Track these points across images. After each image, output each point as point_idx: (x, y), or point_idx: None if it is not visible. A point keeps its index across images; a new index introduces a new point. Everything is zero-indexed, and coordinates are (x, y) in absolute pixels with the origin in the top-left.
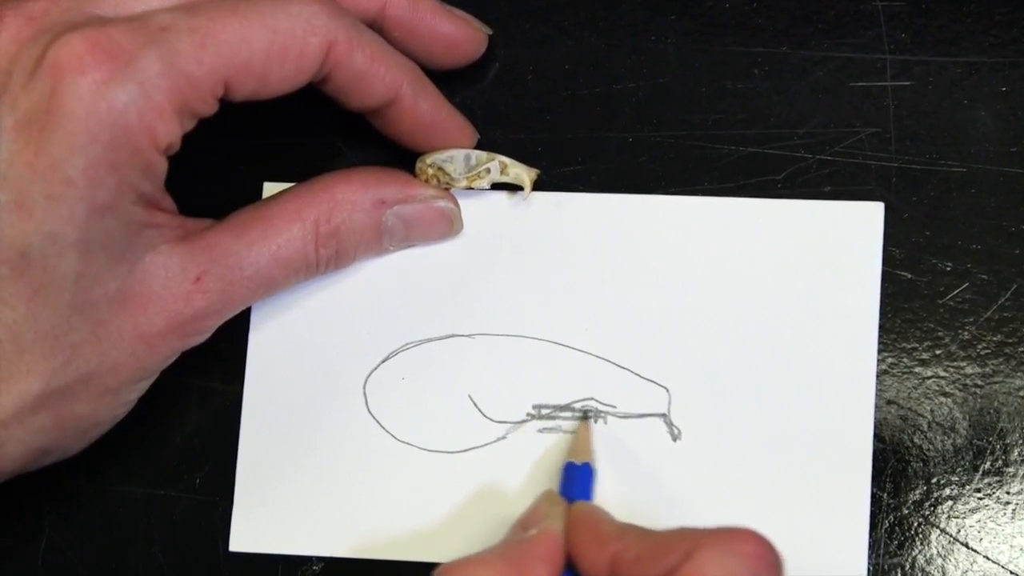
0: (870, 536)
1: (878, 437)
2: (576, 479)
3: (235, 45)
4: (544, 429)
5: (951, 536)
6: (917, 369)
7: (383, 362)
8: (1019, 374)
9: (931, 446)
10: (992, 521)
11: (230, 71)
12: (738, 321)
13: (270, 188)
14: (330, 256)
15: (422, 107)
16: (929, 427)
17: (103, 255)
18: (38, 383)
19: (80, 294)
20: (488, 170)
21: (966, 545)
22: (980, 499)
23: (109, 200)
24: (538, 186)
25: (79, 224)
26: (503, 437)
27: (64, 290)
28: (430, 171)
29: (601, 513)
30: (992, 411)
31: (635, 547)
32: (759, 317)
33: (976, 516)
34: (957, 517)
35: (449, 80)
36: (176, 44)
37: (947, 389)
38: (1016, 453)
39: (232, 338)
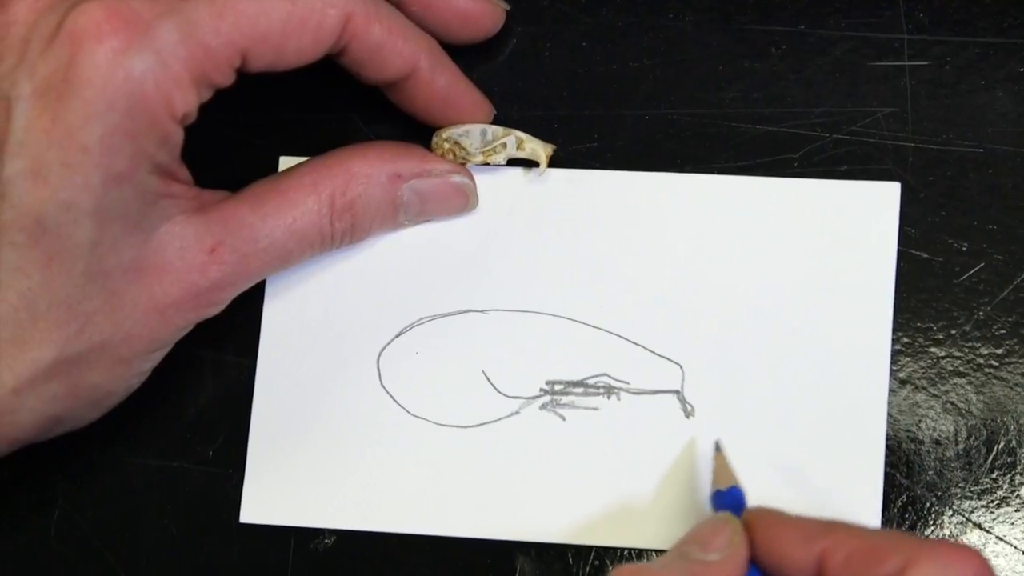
0: (883, 515)
1: (892, 416)
2: (729, 504)
3: (253, 16)
4: (557, 404)
5: (964, 516)
6: (932, 349)
7: (397, 336)
8: None
9: (945, 426)
10: (1005, 502)
11: (247, 42)
12: (753, 299)
13: (286, 162)
14: (345, 230)
15: (439, 81)
16: (943, 407)
17: (118, 224)
18: (52, 351)
19: (95, 263)
20: (504, 145)
21: (979, 526)
22: (994, 479)
23: (125, 169)
24: (554, 163)
25: (95, 192)
26: (516, 412)
27: (79, 258)
28: (446, 145)
29: (790, 514)
30: (1006, 391)
31: (846, 546)
32: (774, 295)
33: (989, 496)
34: (970, 497)
35: (466, 55)
36: (194, 14)
37: (961, 369)
38: None
39: (246, 311)
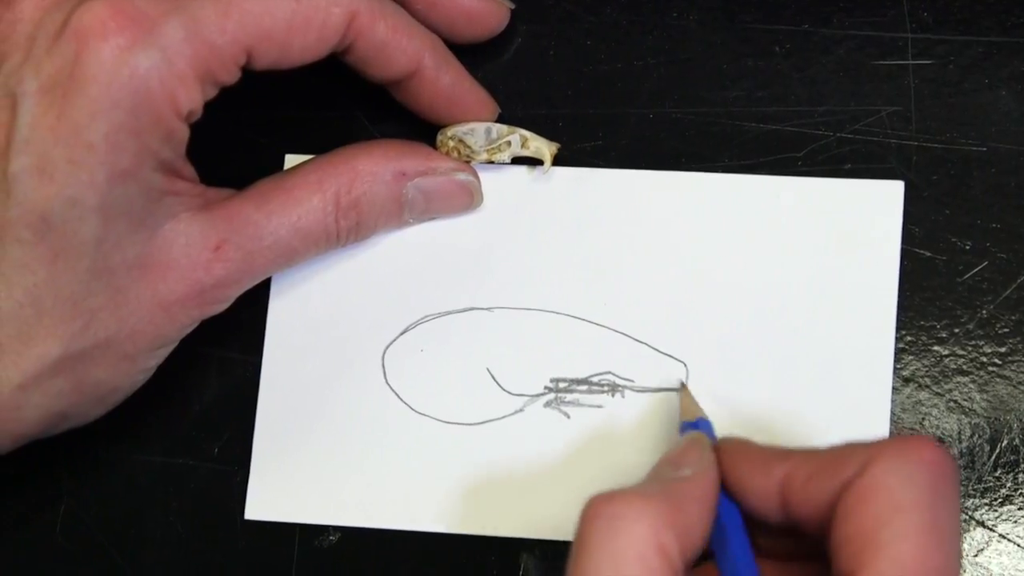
0: None
1: (895, 415)
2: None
3: (258, 14)
4: (562, 402)
5: (967, 514)
6: (935, 347)
7: (402, 334)
8: None
9: (948, 425)
10: (1008, 500)
11: (252, 40)
12: (757, 297)
13: (291, 160)
14: (350, 228)
15: (443, 79)
16: (947, 406)
17: (123, 221)
18: (57, 347)
19: (100, 259)
20: (508, 143)
21: (982, 524)
22: (997, 477)
23: (130, 166)
24: (558, 161)
25: (100, 189)
26: (520, 410)
27: (84, 255)
28: (451, 143)
29: (756, 443)
30: (1010, 390)
31: (804, 467)
32: (778, 293)
33: (992, 494)
34: (973, 495)
35: (471, 54)
36: (199, 12)
37: (965, 368)
38: None
39: (251, 309)
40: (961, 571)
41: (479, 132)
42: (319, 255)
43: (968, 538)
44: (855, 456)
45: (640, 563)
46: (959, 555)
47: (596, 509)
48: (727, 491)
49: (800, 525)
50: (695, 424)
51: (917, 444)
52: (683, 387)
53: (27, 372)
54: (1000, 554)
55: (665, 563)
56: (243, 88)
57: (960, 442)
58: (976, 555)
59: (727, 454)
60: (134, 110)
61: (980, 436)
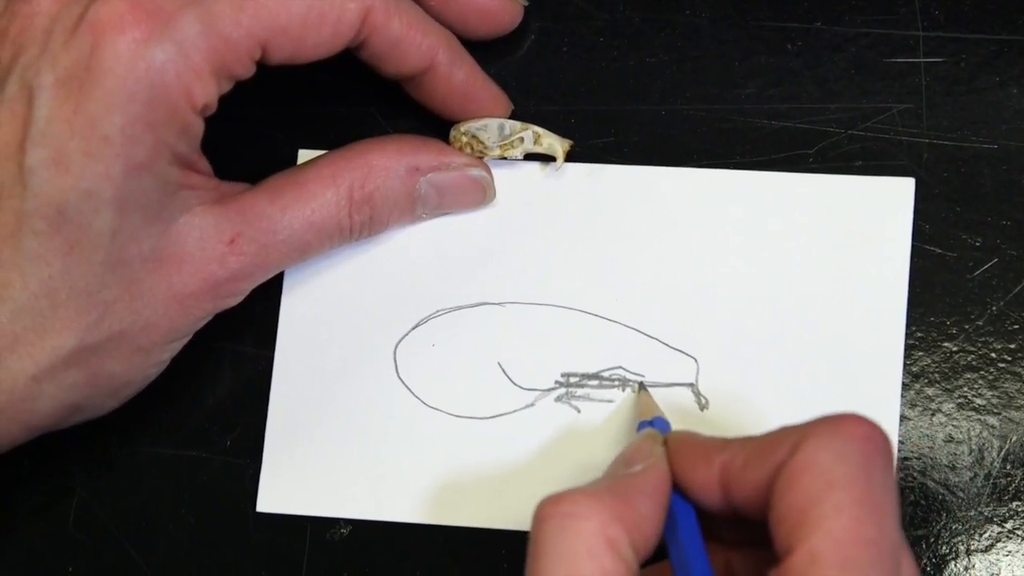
0: None
1: (905, 411)
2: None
3: (273, 8)
4: (572, 396)
5: (976, 510)
6: (945, 344)
7: (414, 328)
8: None
9: (958, 420)
10: (1017, 496)
11: (267, 34)
12: (768, 293)
13: (305, 155)
14: (363, 222)
15: (457, 75)
16: (956, 402)
17: (138, 214)
18: (71, 339)
19: (115, 252)
20: (521, 139)
21: (991, 520)
22: (1007, 474)
23: (145, 159)
24: (571, 157)
25: (115, 182)
26: (531, 404)
27: (99, 247)
28: (464, 139)
29: (699, 434)
30: (1019, 386)
31: (741, 453)
32: (788, 289)
33: (1002, 491)
34: (982, 492)
35: (484, 50)
36: (215, 6)
37: (974, 364)
38: None
39: (265, 303)
40: (902, 544)
41: (492, 128)
42: (332, 249)
43: (977, 534)
44: (788, 438)
45: (590, 559)
46: (896, 528)
47: (546, 510)
48: (676, 484)
49: (742, 511)
50: (651, 423)
51: (847, 421)
52: (641, 387)
53: (41, 364)
54: (1009, 552)
55: (615, 557)
56: (258, 83)
57: (969, 438)
58: (986, 551)
59: (672, 447)
60: (150, 103)
61: (989, 432)
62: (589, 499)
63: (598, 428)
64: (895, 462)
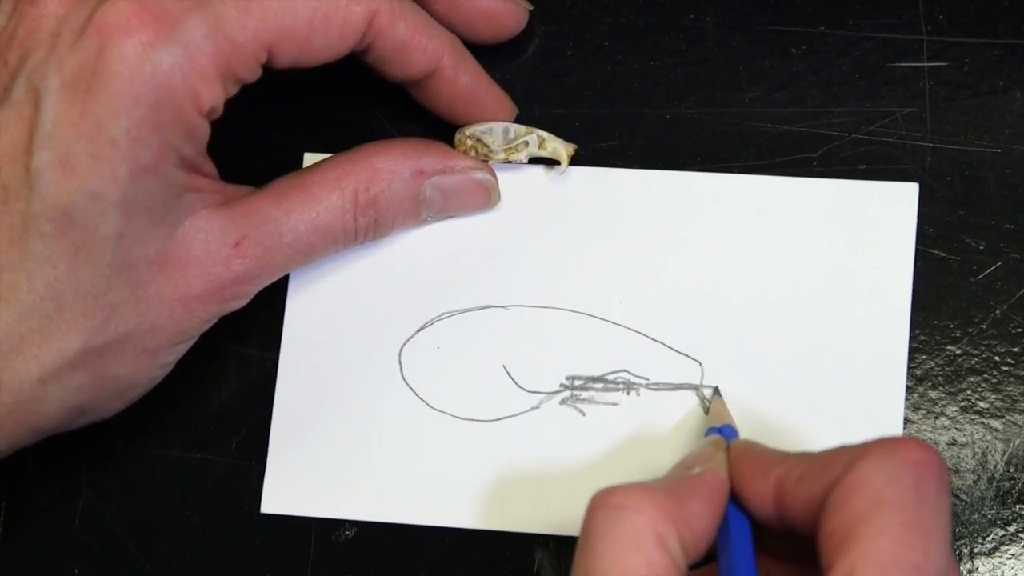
0: None
1: (909, 414)
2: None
3: (279, 12)
4: (577, 399)
5: (980, 513)
6: (949, 347)
7: (419, 331)
8: None
9: (961, 424)
10: (1021, 499)
11: (274, 37)
12: (772, 297)
13: (310, 158)
14: (368, 225)
15: (462, 79)
16: (960, 405)
17: (144, 216)
18: (77, 341)
19: (120, 254)
20: (526, 143)
21: (994, 522)
22: (1010, 476)
23: (151, 161)
24: (575, 161)
25: (121, 184)
26: (536, 407)
27: (105, 250)
28: (469, 142)
29: (761, 446)
30: (1023, 390)
31: (797, 468)
32: (793, 293)
33: (1005, 494)
34: (986, 495)
35: (489, 54)
36: (221, 9)
37: (978, 367)
38: None
39: (270, 305)
40: (952, 572)
41: (497, 132)
42: (337, 252)
43: (981, 537)
44: (843, 456)
45: (637, 551)
46: (946, 555)
47: (599, 501)
48: (733, 493)
49: (794, 526)
50: (720, 430)
51: (903, 444)
52: (715, 393)
53: (47, 366)
54: (1013, 556)
55: (663, 552)
56: (264, 86)
57: (973, 442)
58: (989, 554)
59: (733, 455)
60: (156, 106)
61: (993, 436)
62: (642, 493)
63: (602, 431)
64: (950, 488)
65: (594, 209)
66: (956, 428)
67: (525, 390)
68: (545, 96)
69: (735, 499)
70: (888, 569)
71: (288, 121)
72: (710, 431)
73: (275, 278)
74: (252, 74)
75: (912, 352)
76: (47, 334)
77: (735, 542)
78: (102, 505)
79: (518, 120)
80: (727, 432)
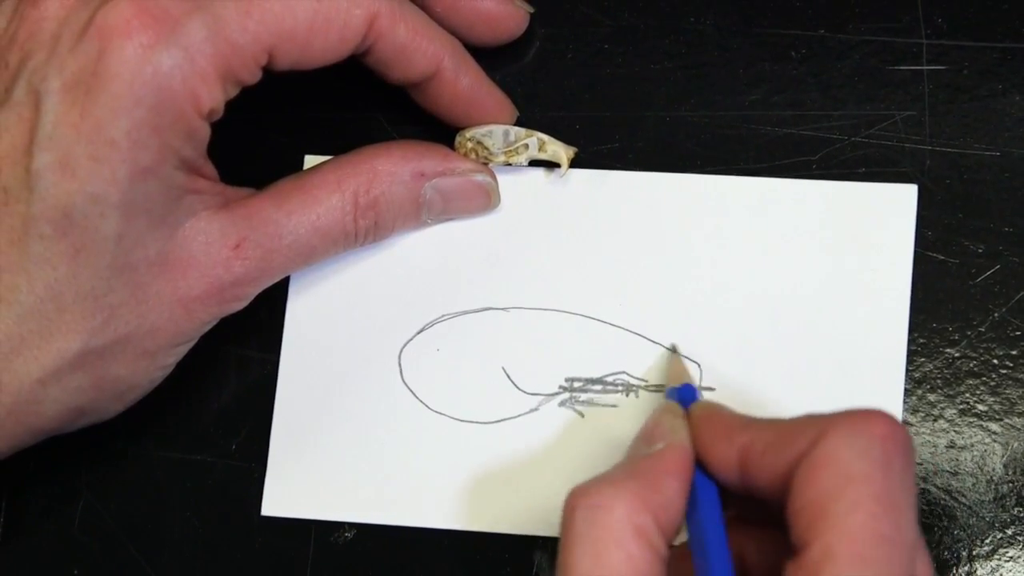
0: None
1: (907, 416)
2: (682, 399)
3: (280, 14)
4: (576, 401)
5: (978, 516)
6: (947, 350)
7: (418, 333)
8: None
9: (960, 427)
10: (1019, 502)
11: (274, 39)
12: (771, 299)
13: (311, 160)
14: (369, 227)
15: (462, 82)
16: (958, 408)
17: (144, 218)
18: (77, 342)
19: (120, 256)
20: (526, 146)
21: (992, 525)
22: (1008, 479)
23: (151, 163)
24: (575, 164)
25: (121, 186)
26: (535, 409)
27: (105, 251)
28: (469, 145)
29: (724, 408)
30: (1021, 392)
31: (762, 437)
32: (791, 295)
33: (1003, 496)
34: (984, 498)
35: (490, 57)
36: (222, 11)
37: (976, 370)
38: None
39: (270, 307)
40: (919, 543)
41: (497, 134)
42: (337, 254)
43: (979, 540)
44: (810, 428)
45: (619, 549)
46: (913, 527)
47: (574, 501)
48: (697, 458)
49: (759, 494)
50: (679, 390)
51: (870, 417)
52: (673, 351)
53: (47, 367)
54: (1011, 558)
55: (644, 544)
56: (264, 89)
57: (971, 445)
58: (987, 557)
59: (695, 421)
60: (156, 108)
61: (991, 438)
62: (616, 488)
63: (602, 433)
64: (915, 461)
65: (594, 212)
66: (955, 431)
67: (524, 392)
68: (545, 99)
69: (700, 464)
70: (864, 545)
71: (288, 123)
72: (669, 392)
73: (275, 280)
74: (252, 76)
75: (911, 355)
76: (47, 335)
77: (703, 511)
78: (102, 506)
79: (518, 123)
80: (686, 392)
